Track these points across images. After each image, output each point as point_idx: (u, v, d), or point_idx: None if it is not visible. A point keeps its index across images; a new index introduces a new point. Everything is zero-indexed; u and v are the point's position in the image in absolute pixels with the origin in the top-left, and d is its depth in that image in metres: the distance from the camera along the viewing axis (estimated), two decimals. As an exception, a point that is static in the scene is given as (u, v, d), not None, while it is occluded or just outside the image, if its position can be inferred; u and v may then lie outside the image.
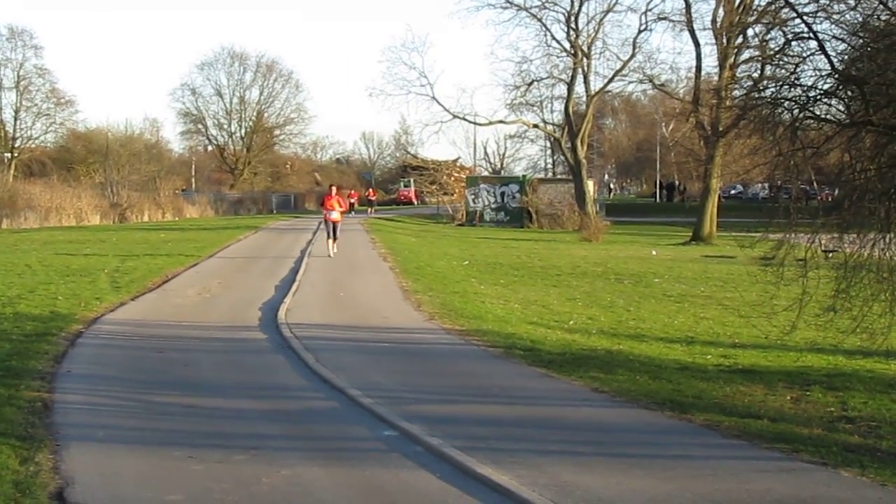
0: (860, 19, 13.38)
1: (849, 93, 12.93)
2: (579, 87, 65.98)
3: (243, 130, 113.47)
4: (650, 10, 59.94)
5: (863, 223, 12.76)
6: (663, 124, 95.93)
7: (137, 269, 29.60)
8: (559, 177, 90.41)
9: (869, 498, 8.72)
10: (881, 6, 12.86)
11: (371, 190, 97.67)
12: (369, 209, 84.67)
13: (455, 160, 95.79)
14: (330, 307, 22.14)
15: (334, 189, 38.70)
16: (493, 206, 70.45)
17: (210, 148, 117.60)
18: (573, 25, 63.08)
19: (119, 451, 10.16)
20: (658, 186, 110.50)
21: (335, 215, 36.18)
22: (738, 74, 46.19)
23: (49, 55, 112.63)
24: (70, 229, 57.23)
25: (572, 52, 63.59)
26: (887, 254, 12.56)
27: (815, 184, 15.67)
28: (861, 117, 12.45)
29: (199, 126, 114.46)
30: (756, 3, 43.92)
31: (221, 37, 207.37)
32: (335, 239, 35.93)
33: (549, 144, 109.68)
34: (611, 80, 64.64)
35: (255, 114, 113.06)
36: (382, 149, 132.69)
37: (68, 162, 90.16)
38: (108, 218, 68.34)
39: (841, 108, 13.43)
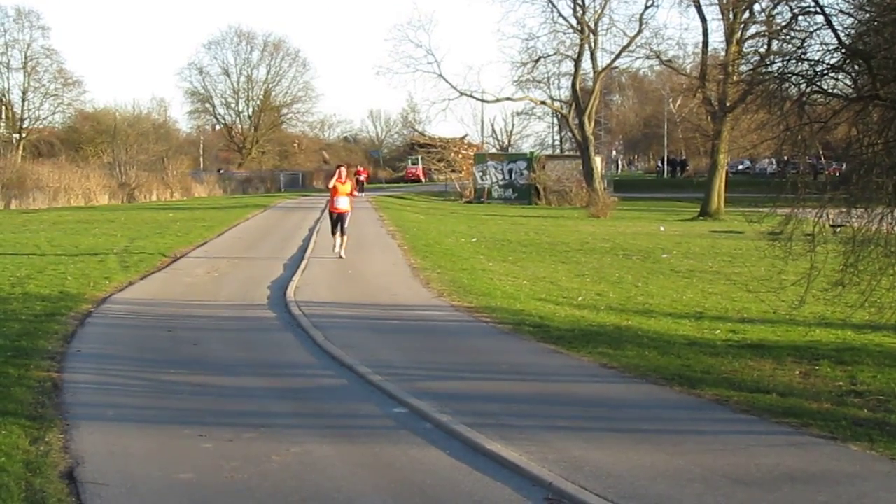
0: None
1: (856, 67, 12.91)
2: (586, 64, 65.93)
3: (251, 109, 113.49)
4: (656, -15, 59.75)
5: (870, 197, 12.75)
6: (670, 100, 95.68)
7: (146, 248, 29.63)
8: (567, 153, 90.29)
9: (878, 471, 8.73)
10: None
11: (359, 168, 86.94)
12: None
13: (463, 137, 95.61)
14: (339, 285, 22.15)
15: (343, 171, 29.57)
16: (500, 183, 70.44)
17: (218, 127, 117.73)
18: (579, 1, 63.12)
19: (129, 430, 10.18)
20: (664, 162, 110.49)
21: (343, 204, 28.25)
22: (744, 49, 46.11)
23: (56, 36, 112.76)
24: (79, 209, 57.29)
25: (579, 28, 63.52)
26: (895, 228, 12.55)
27: (822, 158, 15.71)
28: (868, 92, 12.43)
29: (207, 105, 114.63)
30: (763, -23, 43.79)
31: (228, 16, 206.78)
32: (343, 234, 28.08)
33: (556, 121, 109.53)
34: (618, 57, 64.75)
35: (262, 93, 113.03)
36: (390, 126, 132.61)
37: (76, 142, 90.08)
38: (116, 198, 68.35)
39: (848, 82, 13.42)
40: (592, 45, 64.34)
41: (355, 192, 31.04)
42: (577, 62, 65.46)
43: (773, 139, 14.96)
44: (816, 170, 16.32)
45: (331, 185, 29.12)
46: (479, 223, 45.29)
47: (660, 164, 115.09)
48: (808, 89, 12.93)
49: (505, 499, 8.12)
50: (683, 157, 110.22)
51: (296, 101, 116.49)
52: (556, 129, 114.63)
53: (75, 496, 8.21)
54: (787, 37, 14.44)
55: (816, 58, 12.95)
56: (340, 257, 27.26)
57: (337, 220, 28.18)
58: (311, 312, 17.77)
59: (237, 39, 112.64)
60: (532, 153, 79.00)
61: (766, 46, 28.44)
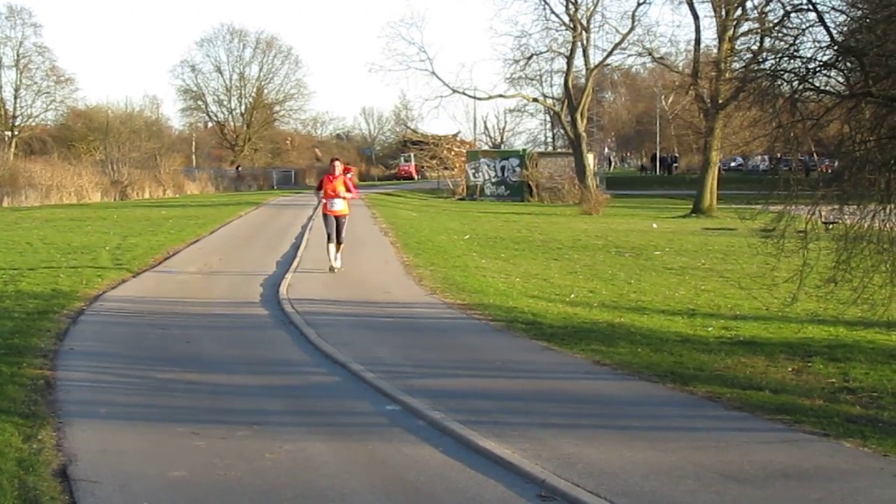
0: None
1: (848, 64, 12.91)
2: (578, 61, 66.17)
3: (243, 107, 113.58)
4: (649, -18, 59.84)
5: (863, 194, 12.77)
6: (663, 97, 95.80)
7: (139, 245, 29.64)
8: (559, 150, 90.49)
9: (870, 468, 8.73)
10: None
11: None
12: None
13: (455, 135, 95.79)
14: (331, 282, 22.12)
15: (338, 165, 24.70)
16: (493, 180, 70.51)
17: (210, 124, 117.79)
18: (572, -1, 63.04)
19: (122, 428, 10.18)
20: (654, 160, 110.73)
21: (340, 206, 24.07)
22: (737, 47, 46.12)
23: (48, 33, 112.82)
24: (71, 207, 57.25)
25: (571, 25, 63.62)
26: (887, 225, 12.58)
27: (814, 155, 15.69)
28: (860, 89, 12.44)
29: (199, 103, 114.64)
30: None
31: (221, 13, 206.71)
32: (340, 243, 24.02)
33: (548, 118, 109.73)
34: (610, 54, 64.89)
35: (254, 90, 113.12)
36: (382, 124, 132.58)
37: (69, 140, 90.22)
38: (108, 195, 68.30)
39: (840, 79, 13.43)
40: (585, 42, 64.46)
41: (351, 192, 24.51)
42: (570, 59, 65.62)
43: (765, 136, 14.95)
44: (809, 167, 16.30)
45: (319, 186, 24.80)
46: (472, 220, 45.32)
47: (644, 163, 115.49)
48: (801, 86, 12.94)
49: (498, 496, 8.13)
50: (676, 154, 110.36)
51: (288, 99, 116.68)
52: (549, 126, 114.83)
53: (68, 494, 8.20)
54: (780, 34, 14.46)
55: (809, 55, 12.96)
56: (340, 269, 23.71)
57: (333, 224, 23.89)
58: (304, 310, 17.78)
59: (229, 37, 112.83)
60: (524, 150, 79.02)
61: (758, 44, 28.40)
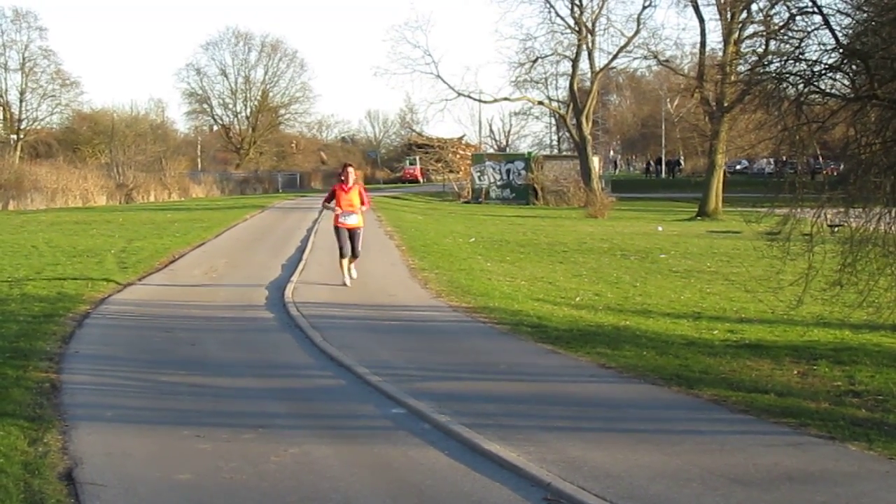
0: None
1: (853, 67, 12.90)
2: (584, 64, 66.03)
3: (248, 110, 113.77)
4: (654, -15, 59.84)
5: (868, 197, 12.76)
6: (668, 100, 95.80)
7: (144, 249, 29.63)
8: (564, 153, 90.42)
9: (876, 471, 8.72)
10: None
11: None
12: None
13: (460, 138, 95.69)
14: (337, 286, 22.08)
15: (351, 172, 22.16)
16: (498, 183, 70.54)
17: (215, 128, 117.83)
18: (577, 2, 63.17)
19: (127, 431, 10.17)
20: (659, 163, 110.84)
21: (355, 220, 21.92)
22: (742, 50, 46.04)
23: (53, 37, 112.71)
24: (76, 210, 57.29)
25: (576, 28, 63.59)
26: (893, 228, 12.56)
27: (820, 158, 15.68)
28: (866, 91, 12.43)
29: (205, 106, 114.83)
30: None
31: (226, 17, 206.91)
32: (355, 256, 22.20)
33: (554, 121, 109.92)
34: (615, 57, 64.82)
35: (260, 93, 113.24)
36: (388, 127, 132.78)
37: (74, 143, 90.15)
38: (114, 199, 68.42)
39: (846, 82, 13.42)
40: (590, 45, 64.45)
41: (365, 203, 22.18)
42: (575, 62, 65.56)
43: (770, 139, 14.95)
44: (814, 170, 16.35)
45: (330, 197, 22.33)
46: (477, 223, 45.31)
47: (650, 165, 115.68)
48: (806, 89, 12.93)
49: (503, 499, 8.12)
50: (678, 158, 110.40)
51: (293, 102, 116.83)
52: (554, 129, 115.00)
53: (74, 497, 8.19)
54: (785, 37, 14.44)
55: (814, 58, 12.95)
56: (351, 278, 21.93)
57: (347, 238, 21.84)
58: (309, 313, 17.76)
59: (235, 40, 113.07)
60: (530, 153, 79.13)
61: (763, 46, 28.42)
